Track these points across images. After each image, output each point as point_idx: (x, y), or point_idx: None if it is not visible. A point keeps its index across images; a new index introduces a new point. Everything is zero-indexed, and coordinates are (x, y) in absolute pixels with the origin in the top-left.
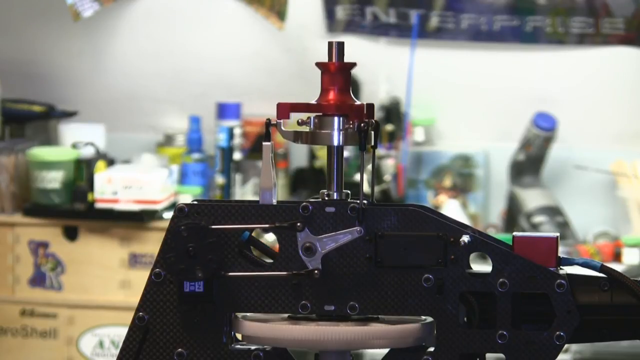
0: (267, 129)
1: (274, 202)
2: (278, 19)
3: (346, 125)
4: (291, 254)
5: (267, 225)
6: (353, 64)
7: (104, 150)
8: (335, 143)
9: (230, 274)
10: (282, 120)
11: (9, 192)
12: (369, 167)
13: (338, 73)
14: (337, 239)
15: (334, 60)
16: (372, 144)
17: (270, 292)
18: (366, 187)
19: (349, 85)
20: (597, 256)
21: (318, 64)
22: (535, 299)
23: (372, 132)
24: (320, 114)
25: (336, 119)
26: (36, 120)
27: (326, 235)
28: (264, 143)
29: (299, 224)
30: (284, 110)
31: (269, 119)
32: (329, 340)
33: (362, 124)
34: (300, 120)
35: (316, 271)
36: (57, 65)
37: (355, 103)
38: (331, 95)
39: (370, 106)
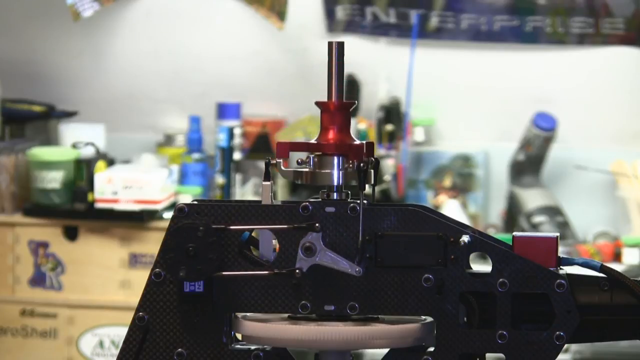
0: (267, 169)
1: (274, 241)
2: (278, 19)
3: (346, 164)
4: (291, 254)
5: (285, 226)
6: (352, 103)
7: (104, 150)
8: (335, 182)
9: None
10: (281, 160)
11: (9, 192)
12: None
13: (337, 112)
14: (336, 261)
15: (333, 63)
16: (372, 182)
17: (270, 292)
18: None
19: (349, 123)
20: (597, 256)
21: (317, 104)
22: (535, 299)
23: (372, 171)
24: (320, 153)
25: (336, 158)
26: (36, 120)
27: (331, 252)
28: (263, 183)
29: (317, 224)
30: (284, 149)
31: (268, 159)
32: (329, 340)
33: (362, 164)
34: (299, 160)
35: (297, 271)
36: (57, 65)
37: (355, 142)
38: (331, 135)
39: (370, 145)
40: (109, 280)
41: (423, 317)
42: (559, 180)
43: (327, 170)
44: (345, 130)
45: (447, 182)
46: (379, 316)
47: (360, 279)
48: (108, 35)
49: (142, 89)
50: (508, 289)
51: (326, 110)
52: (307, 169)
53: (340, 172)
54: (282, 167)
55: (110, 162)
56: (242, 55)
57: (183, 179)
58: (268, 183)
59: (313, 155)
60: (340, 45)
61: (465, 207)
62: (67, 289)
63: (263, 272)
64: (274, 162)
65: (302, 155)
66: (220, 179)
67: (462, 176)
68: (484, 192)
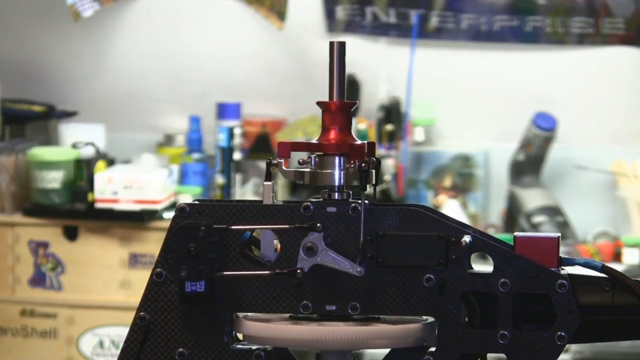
0: (268, 169)
1: (275, 241)
2: (278, 19)
3: (347, 164)
4: (292, 254)
5: (286, 226)
6: (354, 103)
7: (104, 150)
8: (336, 183)
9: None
10: (282, 160)
11: (9, 192)
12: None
13: (338, 112)
14: (338, 261)
15: (334, 63)
16: (374, 182)
17: (271, 292)
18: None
19: (350, 123)
20: (597, 256)
21: (319, 103)
22: (536, 299)
23: (373, 171)
24: (321, 153)
25: (337, 158)
26: (36, 120)
27: (333, 252)
28: (265, 183)
29: (318, 224)
30: (285, 149)
31: (270, 159)
32: (330, 340)
33: (363, 164)
34: (301, 160)
35: (299, 271)
36: (57, 65)
37: (356, 142)
38: (332, 135)
39: (371, 145)
40: (109, 280)
41: (424, 317)
42: (559, 180)
43: (328, 170)
44: (346, 130)
45: (447, 182)
46: (381, 316)
47: (362, 279)
48: (108, 35)
49: (142, 89)
50: (509, 289)
51: (327, 110)
52: (308, 169)
53: (342, 172)
54: (284, 167)
55: (110, 162)
56: (242, 55)
57: (183, 179)
58: (269, 183)
59: (314, 155)
60: (342, 45)
61: (465, 207)
62: (67, 289)
63: (264, 272)
64: (275, 162)
65: (304, 155)
66: (220, 179)
67: (462, 176)
68: (484, 192)
